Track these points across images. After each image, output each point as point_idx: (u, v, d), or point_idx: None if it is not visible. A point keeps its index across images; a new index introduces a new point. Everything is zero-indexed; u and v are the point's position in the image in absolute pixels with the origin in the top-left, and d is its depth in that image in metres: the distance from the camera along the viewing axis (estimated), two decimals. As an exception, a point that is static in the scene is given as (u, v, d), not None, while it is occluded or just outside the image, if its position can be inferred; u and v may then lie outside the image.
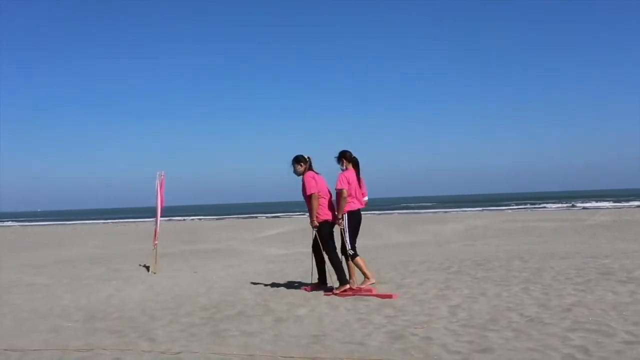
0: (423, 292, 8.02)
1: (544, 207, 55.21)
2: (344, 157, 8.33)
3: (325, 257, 8.51)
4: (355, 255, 8.20)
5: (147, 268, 11.98)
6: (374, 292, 7.97)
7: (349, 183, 8.13)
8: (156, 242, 12.31)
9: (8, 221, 73.24)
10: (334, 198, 8.38)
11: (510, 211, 48.56)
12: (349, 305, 7.39)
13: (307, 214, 8.54)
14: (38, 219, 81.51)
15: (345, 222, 8.22)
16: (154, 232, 12.62)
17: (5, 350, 5.72)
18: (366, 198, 8.58)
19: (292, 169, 8.44)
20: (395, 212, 54.72)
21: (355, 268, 8.29)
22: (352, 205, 8.23)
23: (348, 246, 8.22)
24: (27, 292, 9.39)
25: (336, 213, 8.24)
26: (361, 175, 8.41)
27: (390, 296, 7.68)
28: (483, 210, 56.40)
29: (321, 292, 8.35)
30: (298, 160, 8.36)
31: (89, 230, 34.29)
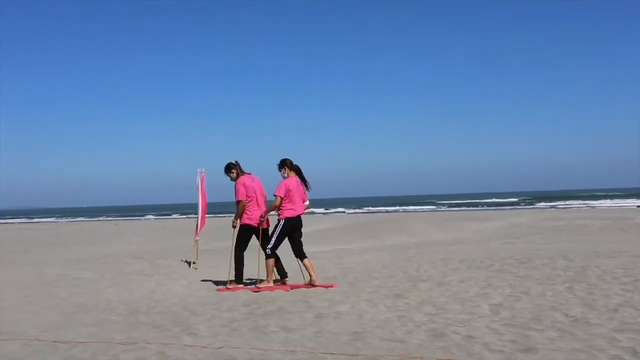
0: (464, 290, 7.93)
1: (588, 205, 53.92)
2: (285, 164, 8.76)
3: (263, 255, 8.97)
4: (270, 256, 8.70)
5: (189, 263, 12.15)
6: (270, 287, 8.63)
7: (288, 190, 8.60)
8: (197, 238, 12.48)
9: (52, 217, 75.29)
10: (268, 199, 9.07)
11: (553, 209, 47.61)
12: (389, 302, 7.36)
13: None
14: (83, 215, 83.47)
15: (279, 227, 8.69)
16: (195, 228, 12.79)
17: (54, 342, 5.87)
18: (307, 202, 9.03)
19: (227, 176, 9.08)
20: (425, 209, 54.21)
21: (312, 267, 8.84)
22: (290, 212, 8.68)
23: (269, 246, 8.69)
24: (72, 286, 9.62)
25: (262, 215, 8.87)
26: (306, 181, 8.90)
27: (285, 289, 8.50)
28: (524, 208, 55.48)
29: (355, 289, 8.34)
30: (229, 167, 9.00)
31: (132, 226, 34.95)
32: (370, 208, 66.09)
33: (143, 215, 67.29)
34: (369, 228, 24.23)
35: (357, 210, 61.73)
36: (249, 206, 8.89)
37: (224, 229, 26.43)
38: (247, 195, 8.85)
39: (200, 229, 12.67)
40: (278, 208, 8.70)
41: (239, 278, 8.99)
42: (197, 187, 12.68)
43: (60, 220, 64.28)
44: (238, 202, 8.87)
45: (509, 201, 72.66)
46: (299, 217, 8.81)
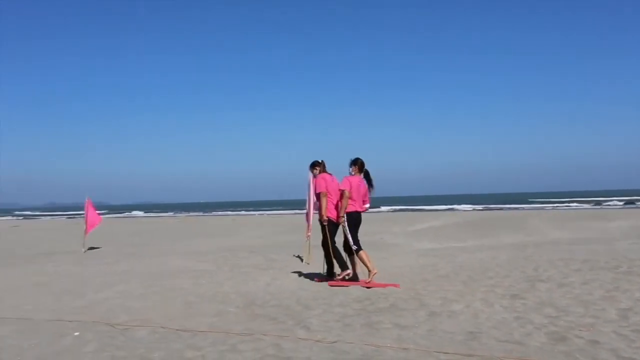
0: (588, 293, 7.50)
1: None
2: (355, 164, 9.11)
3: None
4: (358, 250, 8.87)
5: (301, 259, 12.38)
6: (373, 284, 8.61)
7: (350, 186, 8.88)
8: (309, 233, 12.67)
9: (171, 212, 79.37)
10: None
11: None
12: (506, 302, 7.11)
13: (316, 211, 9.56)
14: (204, 209, 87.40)
15: (345, 221, 8.91)
16: (306, 225, 13.00)
17: (177, 330, 6.19)
18: (367, 205, 9.30)
19: (310, 172, 9.62)
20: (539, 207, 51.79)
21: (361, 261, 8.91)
22: (350, 207, 8.93)
23: (350, 242, 8.90)
24: (193, 278, 10.09)
25: (339, 212, 8.98)
26: (373, 185, 9.18)
27: (395, 285, 8.54)
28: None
29: (469, 288, 8.12)
30: (314, 165, 9.55)
31: (247, 221, 36.13)
32: (488, 205, 64.24)
33: (257, 211, 69.29)
34: (483, 225, 23.56)
35: (469, 208, 60.24)
36: (328, 201, 9.20)
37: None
38: (327, 190, 9.16)
39: (310, 224, 12.84)
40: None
41: (342, 267, 9.19)
42: (308, 183, 12.86)
43: (180, 214, 67.70)
44: (318, 195, 9.26)
45: (634, 199, 67.85)
46: (359, 213, 9.07)
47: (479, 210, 53.84)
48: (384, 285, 8.56)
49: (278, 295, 8.24)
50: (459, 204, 70.63)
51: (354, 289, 8.42)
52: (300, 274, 10.34)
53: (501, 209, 54.29)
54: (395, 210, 57.82)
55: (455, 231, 21.63)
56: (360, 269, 9.15)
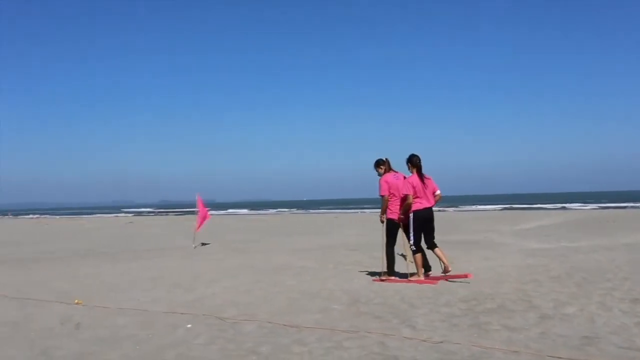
0: None
1: None
2: (411, 162, 9.21)
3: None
4: (417, 251, 9.05)
5: (404, 257, 12.24)
6: (415, 281, 8.93)
7: (413, 187, 9.01)
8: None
9: (275, 209, 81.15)
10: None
11: None
12: (625, 307, 6.68)
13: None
14: (305, 207, 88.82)
15: (411, 222, 9.04)
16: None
17: (284, 325, 6.31)
18: (438, 192, 9.32)
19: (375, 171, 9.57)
20: None
21: (444, 257, 9.13)
22: (418, 205, 9.03)
23: (410, 242, 9.07)
24: (297, 274, 10.25)
25: (401, 214, 9.17)
26: (426, 175, 9.20)
27: (434, 282, 8.77)
28: None
29: (583, 291, 7.70)
30: (378, 163, 9.52)
31: (349, 219, 36.30)
32: (599, 204, 60.90)
33: (360, 209, 69.43)
34: (596, 225, 22.32)
35: (582, 206, 57.30)
36: (391, 202, 9.29)
37: (440, 223, 26.28)
38: (389, 192, 9.25)
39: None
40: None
41: (390, 270, 9.33)
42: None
43: (283, 211, 69.13)
44: (381, 197, 9.34)
45: None
46: (427, 210, 9.14)
47: (593, 208, 51.09)
48: (427, 282, 8.85)
49: (382, 293, 8.19)
50: (571, 202, 67.39)
51: (460, 289, 8.23)
52: (403, 272, 10.23)
53: (619, 207, 51.22)
54: (503, 209, 55.95)
55: (566, 230, 20.63)
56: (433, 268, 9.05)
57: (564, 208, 52.98)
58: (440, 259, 9.12)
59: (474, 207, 62.26)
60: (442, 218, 33.93)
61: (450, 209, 58.45)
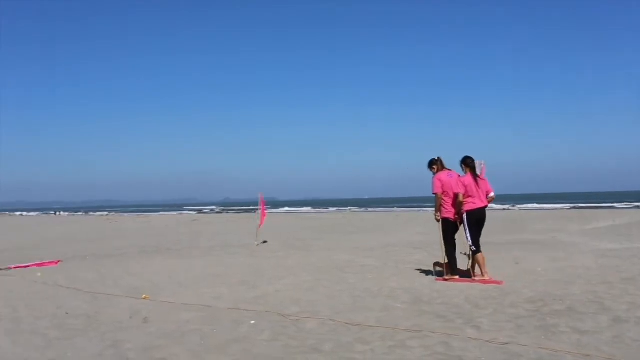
0: None
1: None
2: (464, 163, 9.29)
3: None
4: (476, 251, 9.01)
5: (468, 256, 12.01)
6: (479, 281, 8.82)
7: (465, 186, 9.05)
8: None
9: (332, 208, 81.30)
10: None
11: None
12: None
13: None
14: (366, 205, 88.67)
15: (465, 221, 9.05)
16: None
17: (346, 323, 6.31)
18: (492, 194, 9.34)
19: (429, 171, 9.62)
20: None
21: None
22: (471, 205, 9.02)
23: (469, 242, 9.01)
24: (359, 273, 10.23)
25: (455, 213, 9.22)
26: (481, 176, 9.30)
27: (499, 282, 8.61)
28: None
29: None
30: (431, 163, 9.61)
31: (411, 217, 35.96)
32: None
33: (421, 207, 68.66)
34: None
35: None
36: (445, 201, 9.33)
37: (505, 222, 25.69)
38: (442, 190, 9.28)
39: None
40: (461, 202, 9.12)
41: (453, 270, 9.28)
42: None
43: (343, 209, 69.19)
44: (434, 195, 9.40)
45: None
46: (481, 209, 9.12)
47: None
48: (490, 282, 8.72)
49: (445, 292, 8.08)
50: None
51: (526, 289, 8.02)
52: (467, 272, 10.04)
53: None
54: (572, 207, 54.16)
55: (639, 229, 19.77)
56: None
57: (638, 207, 50.80)
58: (478, 264, 9.08)
59: (539, 206, 60.51)
60: (507, 217, 33.14)
61: (515, 208, 57.07)
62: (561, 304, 6.98)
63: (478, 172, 12.67)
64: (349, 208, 79.19)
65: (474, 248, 9.03)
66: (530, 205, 61.81)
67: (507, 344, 5.31)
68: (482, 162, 12.51)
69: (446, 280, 9.12)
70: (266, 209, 19.16)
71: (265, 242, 18.17)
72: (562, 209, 52.30)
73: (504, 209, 53.09)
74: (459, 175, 9.33)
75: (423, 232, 22.06)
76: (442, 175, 9.41)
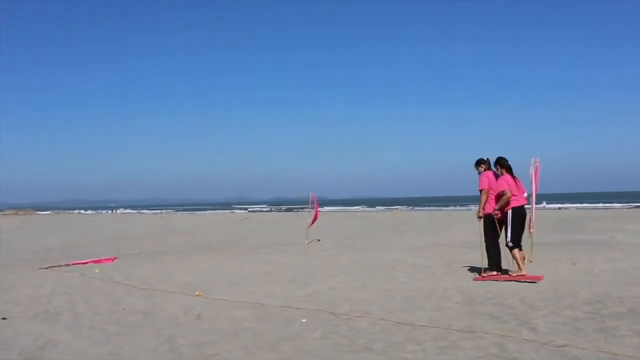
0: None
1: None
2: (499, 163, 9.46)
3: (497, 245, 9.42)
4: (513, 247, 9.02)
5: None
6: (516, 277, 8.87)
7: (508, 185, 9.12)
8: (532, 230, 12.00)
9: (380, 207, 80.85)
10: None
11: None
12: None
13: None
14: (415, 204, 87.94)
15: (509, 218, 9.11)
16: (529, 220, 12.32)
17: (397, 323, 6.26)
18: (525, 194, 9.46)
19: (476, 169, 9.77)
20: None
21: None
22: (516, 201, 9.14)
23: (508, 238, 9.05)
24: (410, 272, 10.14)
25: (496, 209, 9.21)
26: (516, 176, 9.42)
27: (539, 278, 8.72)
28: None
29: None
30: (479, 162, 9.75)
31: (463, 216, 35.45)
32: None
33: (473, 204, 67.62)
34: None
35: None
36: (490, 198, 9.42)
37: (561, 222, 25.06)
38: (489, 188, 9.38)
39: (533, 220, 12.15)
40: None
41: (492, 266, 9.36)
42: (531, 177, 12.19)
43: (394, 208, 68.78)
44: (481, 191, 9.47)
45: None
46: (524, 207, 9.28)
47: None
48: (530, 278, 8.79)
49: (500, 292, 7.92)
50: None
51: (584, 291, 7.80)
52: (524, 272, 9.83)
53: None
54: (635, 207, 52.31)
55: None
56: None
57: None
58: (516, 261, 9.09)
59: (598, 205, 58.73)
60: (564, 216, 32.33)
61: (573, 207, 55.57)
62: (622, 306, 6.76)
63: (533, 170, 12.43)
64: (397, 207, 78.71)
65: (511, 244, 9.05)
66: (586, 205, 60.06)
67: (564, 346, 5.16)
68: (537, 160, 12.24)
69: (484, 278, 9.13)
70: (318, 210, 19.21)
71: (319, 240, 18.23)
72: (621, 208, 50.64)
73: (559, 208, 51.79)
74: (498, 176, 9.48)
75: (475, 231, 21.69)
76: (490, 173, 9.60)
